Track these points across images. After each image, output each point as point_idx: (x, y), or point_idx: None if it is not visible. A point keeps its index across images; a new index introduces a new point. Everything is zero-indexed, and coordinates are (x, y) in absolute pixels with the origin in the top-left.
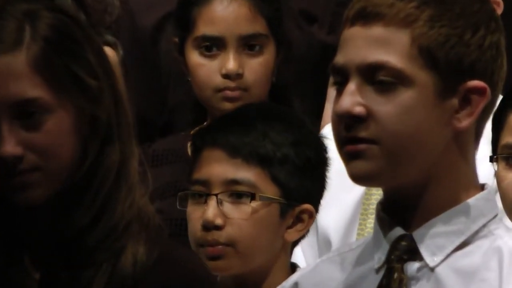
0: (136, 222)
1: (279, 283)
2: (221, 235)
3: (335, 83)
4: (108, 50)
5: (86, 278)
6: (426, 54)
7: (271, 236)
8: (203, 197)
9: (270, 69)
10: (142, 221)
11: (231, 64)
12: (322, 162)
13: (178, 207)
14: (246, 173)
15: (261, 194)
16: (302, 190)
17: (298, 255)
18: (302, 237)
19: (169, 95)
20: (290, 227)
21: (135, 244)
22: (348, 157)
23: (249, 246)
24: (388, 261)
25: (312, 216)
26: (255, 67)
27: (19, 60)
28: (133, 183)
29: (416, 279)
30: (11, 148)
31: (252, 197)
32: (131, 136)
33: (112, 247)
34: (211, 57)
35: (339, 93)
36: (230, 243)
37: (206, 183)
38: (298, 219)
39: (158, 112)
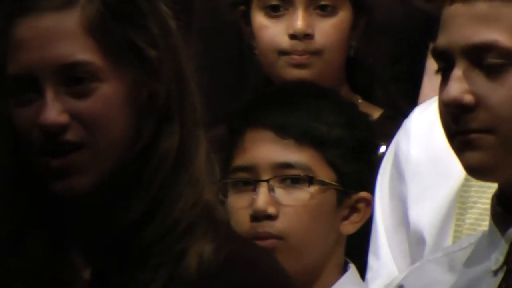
0: (203, 222)
1: (332, 282)
2: (274, 226)
3: (438, 68)
4: None
5: (140, 283)
6: None
7: (327, 228)
8: (248, 185)
9: (345, 36)
10: (210, 219)
11: (299, 23)
12: (373, 146)
13: (220, 198)
14: (299, 155)
15: (319, 178)
16: (358, 175)
17: (386, 255)
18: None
19: (251, 74)
20: (345, 218)
21: (200, 243)
22: (460, 148)
23: (303, 239)
24: (507, 262)
25: (369, 205)
26: (327, 29)
27: (72, 19)
28: (198, 175)
29: None
30: (55, 115)
31: (310, 181)
32: (196, 120)
33: (170, 249)
34: (277, 17)
35: (444, 79)
36: (282, 236)
37: (252, 168)
38: (353, 209)
39: (237, 93)
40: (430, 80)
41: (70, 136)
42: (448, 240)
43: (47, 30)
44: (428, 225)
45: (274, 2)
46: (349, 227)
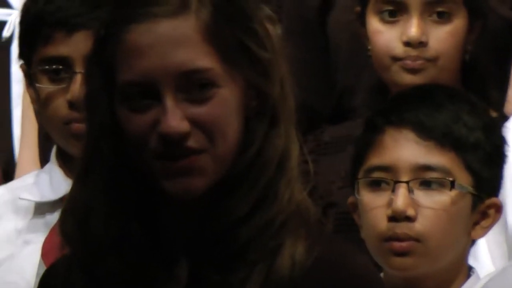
0: (295, 218)
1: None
2: (412, 228)
3: None
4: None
5: (238, 281)
6: None
7: (462, 233)
8: (384, 185)
9: (460, 42)
10: (301, 217)
11: (413, 31)
12: (505, 152)
13: (356, 196)
14: (440, 158)
15: (459, 183)
16: (492, 181)
17: (484, 257)
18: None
19: (338, 77)
20: (476, 223)
21: (293, 242)
22: None
23: (440, 242)
24: None
25: (499, 210)
26: (442, 36)
27: (188, 25)
28: (292, 174)
29: None
30: (176, 122)
31: (452, 185)
32: (292, 122)
33: (267, 245)
34: (392, 23)
35: None
36: (421, 238)
37: (391, 168)
38: (483, 214)
39: (325, 96)
40: None
41: (191, 143)
42: None
43: (165, 36)
44: None
45: (390, 8)
46: (480, 232)
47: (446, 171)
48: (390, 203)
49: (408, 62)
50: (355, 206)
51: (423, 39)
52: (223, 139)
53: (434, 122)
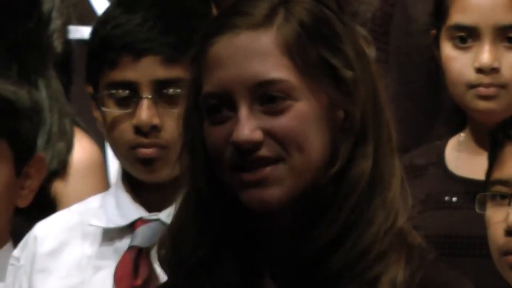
0: (396, 248)
1: None
2: None
3: None
4: None
5: None
6: None
7: None
8: (505, 199)
9: None
10: (403, 245)
11: (485, 57)
12: None
13: (477, 210)
14: None
15: None
16: None
17: None
18: None
19: (441, 97)
20: None
21: (394, 270)
22: None
23: None
24: None
25: None
26: None
27: (268, 38)
28: (392, 202)
29: None
30: (248, 132)
31: None
32: (391, 147)
33: (363, 277)
34: (464, 49)
35: None
36: None
37: (509, 182)
38: None
39: (429, 119)
40: None
41: (265, 152)
42: None
43: (244, 48)
44: None
45: (461, 34)
46: None
47: None
48: (507, 217)
49: (482, 89)
50: None
51: (495, 65)
52: (300, 151)
53: None
